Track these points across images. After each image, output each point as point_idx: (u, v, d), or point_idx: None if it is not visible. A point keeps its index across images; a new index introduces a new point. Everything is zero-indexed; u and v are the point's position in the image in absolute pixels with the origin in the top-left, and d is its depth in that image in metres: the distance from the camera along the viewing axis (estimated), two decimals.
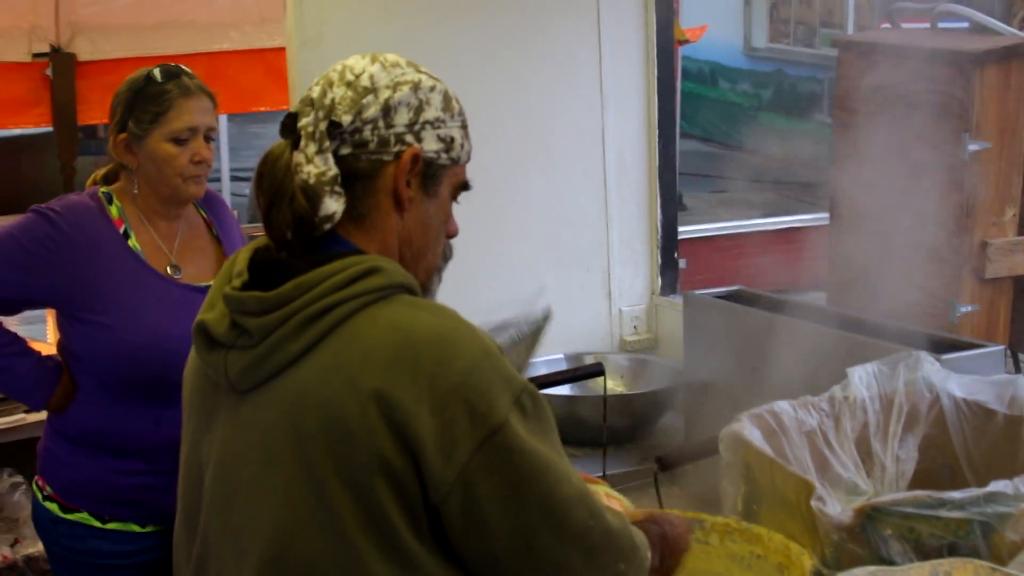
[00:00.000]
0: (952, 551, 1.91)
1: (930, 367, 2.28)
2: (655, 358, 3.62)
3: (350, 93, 1.71)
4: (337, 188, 1.69)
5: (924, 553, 1.91)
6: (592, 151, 3.66)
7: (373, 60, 1.75)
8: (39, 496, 2.86)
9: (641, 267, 3.79)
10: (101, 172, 2.87)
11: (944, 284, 3.66)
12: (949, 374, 2.29)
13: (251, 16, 5.84)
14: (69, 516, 2.80)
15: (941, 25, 4.03)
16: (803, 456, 2.20)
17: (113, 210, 2.77)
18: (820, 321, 2.70)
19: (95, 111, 5.91)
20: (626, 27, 3.69)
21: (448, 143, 1.76)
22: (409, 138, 1.72)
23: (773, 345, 2.70)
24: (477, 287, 3.52)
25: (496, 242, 3.56)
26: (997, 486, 1.90)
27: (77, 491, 2.79)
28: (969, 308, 3.63)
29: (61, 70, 5.69)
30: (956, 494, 1.90)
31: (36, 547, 4.23)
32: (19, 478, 4.45)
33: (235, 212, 3.17)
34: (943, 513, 1.88)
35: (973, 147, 3.51)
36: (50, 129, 5.94)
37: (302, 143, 1.70)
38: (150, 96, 2.72)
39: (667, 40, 3.76)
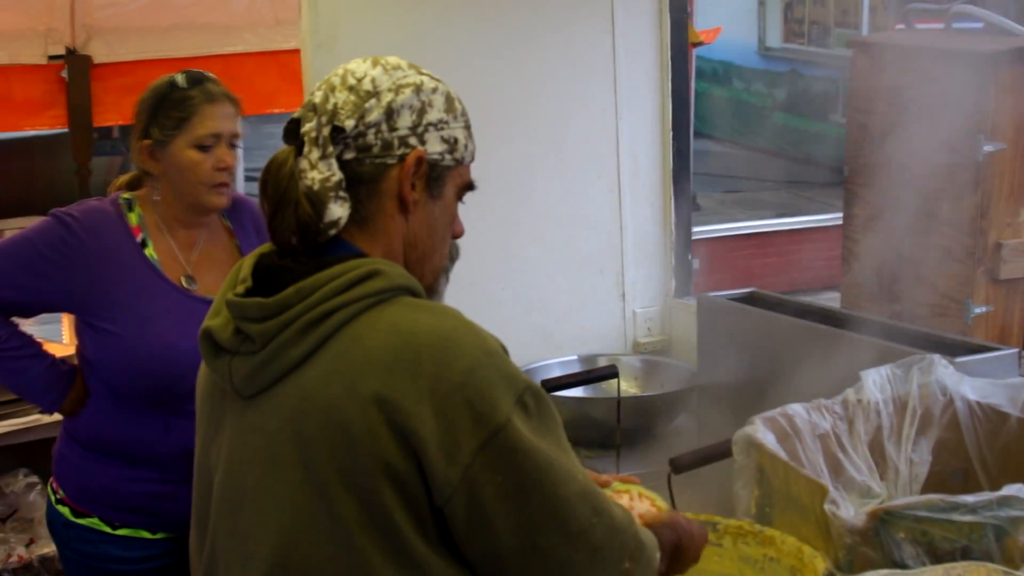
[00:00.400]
0: (965, 555, 1.91)
1: (943, 370, 2.28)
2: (669, 360, 3.62)
3: (352, 97, 1.71)
4: (341, 193, 1.69)
5: (937, 557, 1.91)
6: (606, 153, 3.66)
7: (375, 64, 1.76)
8: (52, 499, 2.87)
9: (655, 269, 3.78)
10: (124, 178, 2.86)
11: (958, 285, 3.66)
12: (963, 377, 2.28)
13: (266, 18, 5.85)
14: (80, 520, 2.80)
15: (956, 26, 4.02)
16: (816, 459, 2.20)
17: (132, 217, 2.76)
18: (833, 324, 2.70)
19: (110, 113, 5.92)
20: (640, 29, 3.69)
21: (452, 144, 1.76)
22: (413, 141, 1.72)
23: (786, 348, 2.70)
24: (491, 289, 3.54)
25: (510, 244, 3.56)
26: (1010, 490, 1.90)
27: (88, 496, 2.80)
28: (983, 309, 3.63)
29: (77, 72, 5.70)
30: (969, 498, 1.89)
31: (51, 547, 4.24)
32: (34, 478, 4.47)
33: None
34: (956, 517, 1.88)
35: (988, 148, 3.50)
36: (65, 130, 5.96)
37: (306, 149, 1.71)
38: (174, 102, 2.71)
39: (681, 41, 3.76)
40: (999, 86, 3.51)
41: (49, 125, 5.97)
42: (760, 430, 2.19)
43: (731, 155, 14.74)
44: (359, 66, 1.76)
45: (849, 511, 1.96)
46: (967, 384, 2.27)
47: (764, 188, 13.13)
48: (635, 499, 2.04)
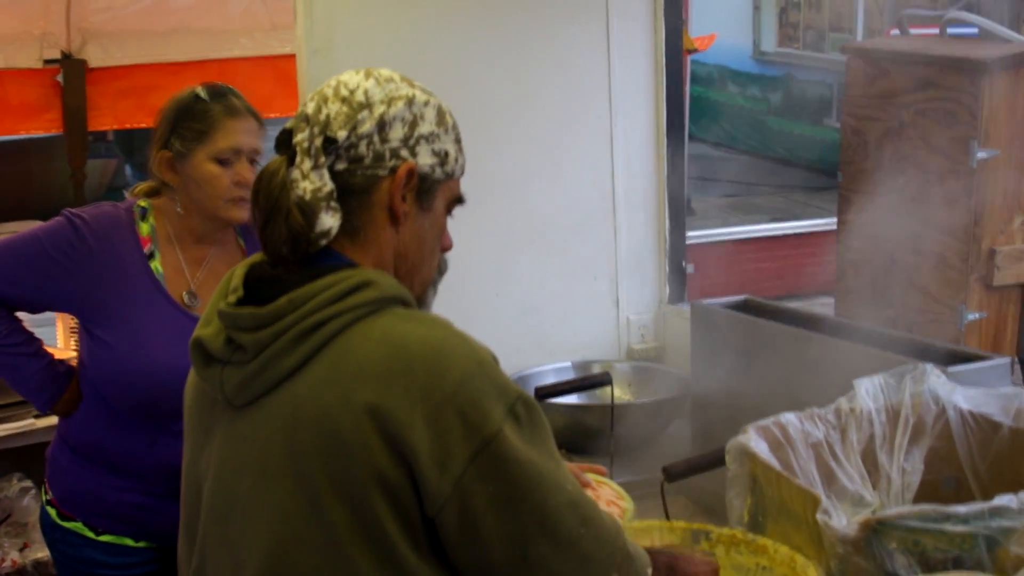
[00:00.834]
0: (957, 565, 1.91)
1: (936, 379, 2.28)
2: (662, 367, 3.62)
3: (345, 109, 1.72)
4: (333, 203, 1.70)
5: (929, 566, 1.91)
6: (600, 159, 3.67)
7: (367, 75, 1.76)
8: (44, 499, 2.89)
9: (649, 275, 3.78)
10: (144, 186, 2.83)
11: (952, 291, 3.66)
12: (955, 386, 2.29)
13: (262, 23, 5.86)
14: (65, 524, 2.81)
15: (950, 32, 4.02)
16: (809, 468, 2.20)
17: (144, 227, 2.74)
18: (827, 332, 2.70)
19: (105, 117, 5.94)
20: (635, 35, 3.69)
21: (442, 157, 1.77)
22: (404, 153, 1.73)
23: (780, 355, 2.71)
24: (485, 295, 3.55)
25: (504, 250, 3.57)
26: (1002, 500, 1.90)
27: (74, 500, 2.80)
28: (976, 315, 3.63)
29: (72, 76, 5.71)
30: (961, 508, 1.89)
31: (45, 552, 4.24)
32: (28, 483, 4.47)
33: None
34: (948, 527, 1.88)
35: (982, 155, 3.50)
36: (60, 133, 5.97)
37: (298, 159, 1.71)
38: (195, 114, 2.68)
39: (676, 48, 3.76)
40: (993, 92, 3.51)
41: (44, 129, 5.99)
42: (753, 439, 2.20)
43: (726, 159, 14.76)
44: (352, 77, 1.76)
45: (841, 521, 1.96)
46: (960, 393, 2.27)
47: (759, 193, 13.15)
48: (596, 488, 2.08)
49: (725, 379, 2.91)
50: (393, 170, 1.73)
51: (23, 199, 7.43)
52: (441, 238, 1.84)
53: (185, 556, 1.86)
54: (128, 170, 8.54)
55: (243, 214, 2.72)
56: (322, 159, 1.70)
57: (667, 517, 2.43)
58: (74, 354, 4.15)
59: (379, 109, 1.73)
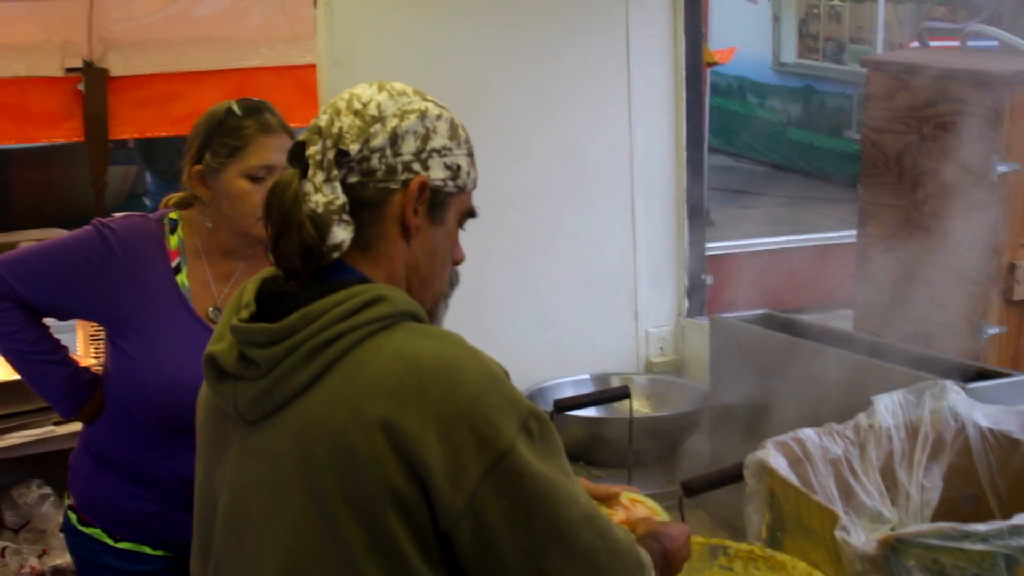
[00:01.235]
0: None
1: (956, 396, 2.27)
2: (681, 380, 3.62)
3: (358, 122, 1.73)
4: (345, 216, 1.70)
5: None
6: (620, 172, 3.67)
7: (380, 89, 1.77)
8: (66, 503, 2.90)
9: (668, 288, 3.78)
10: (176, 196, 2.81)
11: (971, 305, 3.64)
12: (975, 404, 2.28)
13: (282, 33, 5.88)
14: (85, 529, 2.83)
15: (970, 45, 4.01)
16: (828, 484, 2.20)
17: (173, 240, 2.73)
18: (846, 347, 2.69)
19: (126, 125, 5.97)
20: (655, 48, 3.69)
21: (455, 171, 1.78)
22: (416, 166, 1.74)
23: (799, 370, 2.70)
24: (504, 307, 3.55)
25: (523, 262, 3.57)
26: (1021, 519, 1.90)
27: (94, 507, 2.81)
28: (997, 330, 3.61)
29: (93, 85, 5.75)
30: (980, 526, 1.89)
31: (64, 558, 4.25)
32: (48, 489, 4.48)
33: None
34: (967, 545, 1.88)
35: (1002, 168, 3.49)
36: (81, 141, 6.00)
37: (310, 172, 1.72)
38: (229, 130, 2.65)
39: (696, 60, 3.76)
40: (1014, 106, 3.50)
41: (66, 137, 6.02)
42: (772, 454, 2.19)
43: (745, 170, 14.73)
44: (365, 91, 1.77)
45: (860, 538, 1.95)
46: (979, 411, 2.27)
47: (778, 204, 13.12)
48: (631, 507, 2.07)
49: (744, 393, 2.90)
50: (405, 183, 1.73)
51: (44, 206, 7.47)
52: (453, 251, 1.84)
53: (199, 572, 1.86)
54: (148, 177, 8.57)
55: None
56: (334, 172, 1.71)
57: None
58: (93, 360, 4.18)
59: (392, 122, 1.73)
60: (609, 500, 2.09)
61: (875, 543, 1.92)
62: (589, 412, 3.22)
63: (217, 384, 1.75)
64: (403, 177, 1.73)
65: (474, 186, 1.83)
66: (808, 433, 2.25)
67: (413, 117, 1.74)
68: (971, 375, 2.48)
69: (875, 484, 2.21)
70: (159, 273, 2.70)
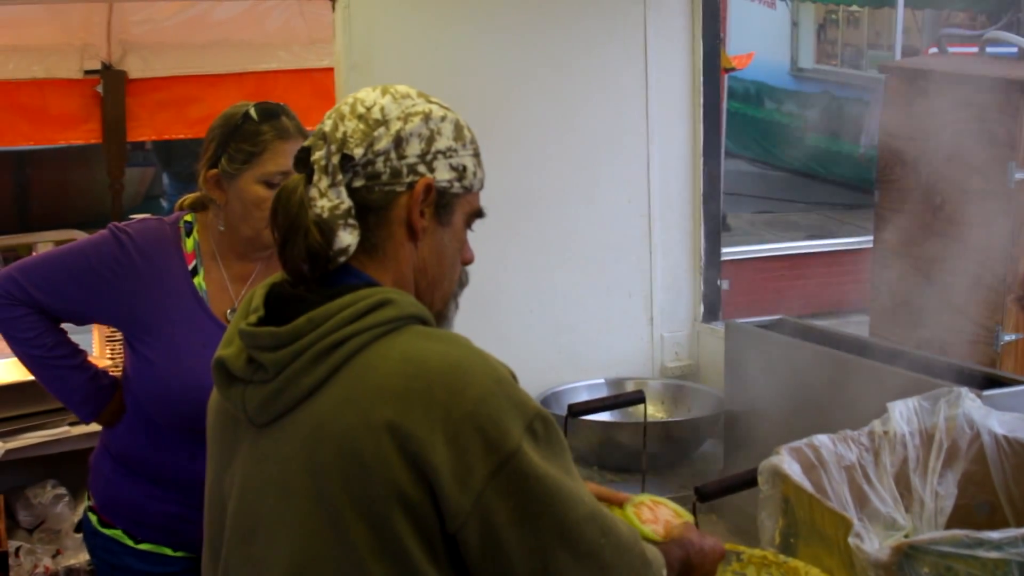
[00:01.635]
0: None
1: (971, 403, 2.26)
2: (696, 385, 3.62)
3: (361, 126, 1.73)
4: (351, 221, 1.71)
5: None
6: (637, 177, 3.67)
7: (384, 92, 1.77)
8: (86, 505, 2.91)
9: (683, 293, 3.78)
10: (191, 198, 2.81)
11: (988, 312, 3.64)
12: (990, 411, 2.27)
13: (300, 37, 5.89)
14: (105, 531, 2.83)
15: (989, 51, 4.01)
16: (842, 491, 2.19)
17: (189, 243, 2.74)
18: (861, 353, 2.69)
19: (144, 128, 5.99)
20: (673, 54, 3.69)
21: (461, 172, 1.78)
22: (421, 168, 1.74)
23: (814, 376, 2.70)
24: (519, 312, 3.55)
25: (539, 267, 3.57)
26: None
27: (114, 508, 2.82)
28: (1013, 336, 3.61)
29: (112, 87, 5.76)
30: (994, 534, 1.88)
31: (77, 558, 4.28)
32: (62, 490, 4.50)
33: None
34: (981, 553, 1.87)
35: (1019, 175, 3.49)
36: (99, 143, 6.02)
37: (315, 177, 1.72)
38: (245, 135, 2.63)
39: (714, 66, 3.76)
40: None
41: (84, 139, 6.04)
42: (786, 460, 2.19)
43: (762, 175, 14.72)
44: (368, 95, 1.77)
45: (873, 544, 1.95)
46: (994, 418, 2.26)
47: (794, 209, 13.11)
48: (655, 508, 2.06)
49: (758, 399, 2.90)
50: (411, 186, 1.73)
51: (62, 207, 7.51)
52: (461, 252, 1.84)
53: (209, 574, 1.87)
54: (165, 179, 8.61)
55: None
56: (339, 177, 1.71)
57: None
58: (109, 362, 4.20)
59: (396, 125, 1.73)
60: (618, 504, 2.09)
61: (889, 550, 1.92)
62: (603, 416, 3.22)
63: (226, 388, 1.76)
64: (408, 179, 1.73)
65: (481, 187, 1.83)
66: (822, 439, 2.24)
67: (417, 119, 1.75)
68: (987, 382, 2.48)
69: (889, 491, 2.20)
70: (176, 276, 2.71)
